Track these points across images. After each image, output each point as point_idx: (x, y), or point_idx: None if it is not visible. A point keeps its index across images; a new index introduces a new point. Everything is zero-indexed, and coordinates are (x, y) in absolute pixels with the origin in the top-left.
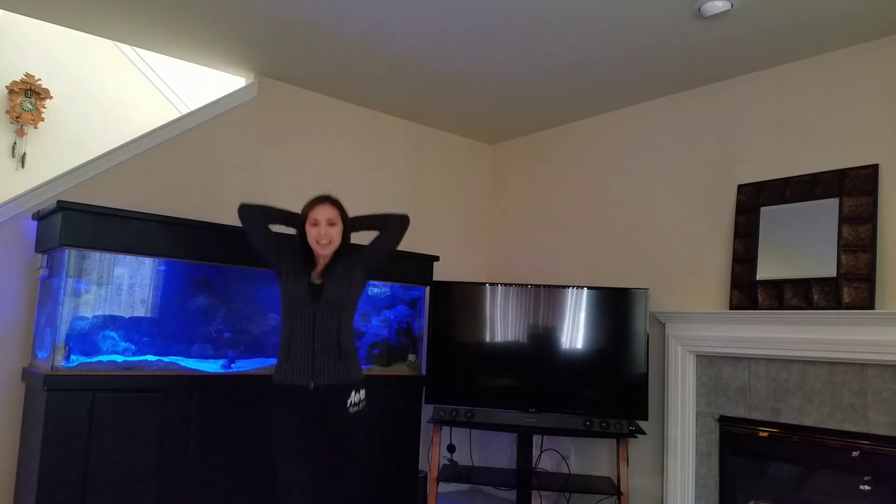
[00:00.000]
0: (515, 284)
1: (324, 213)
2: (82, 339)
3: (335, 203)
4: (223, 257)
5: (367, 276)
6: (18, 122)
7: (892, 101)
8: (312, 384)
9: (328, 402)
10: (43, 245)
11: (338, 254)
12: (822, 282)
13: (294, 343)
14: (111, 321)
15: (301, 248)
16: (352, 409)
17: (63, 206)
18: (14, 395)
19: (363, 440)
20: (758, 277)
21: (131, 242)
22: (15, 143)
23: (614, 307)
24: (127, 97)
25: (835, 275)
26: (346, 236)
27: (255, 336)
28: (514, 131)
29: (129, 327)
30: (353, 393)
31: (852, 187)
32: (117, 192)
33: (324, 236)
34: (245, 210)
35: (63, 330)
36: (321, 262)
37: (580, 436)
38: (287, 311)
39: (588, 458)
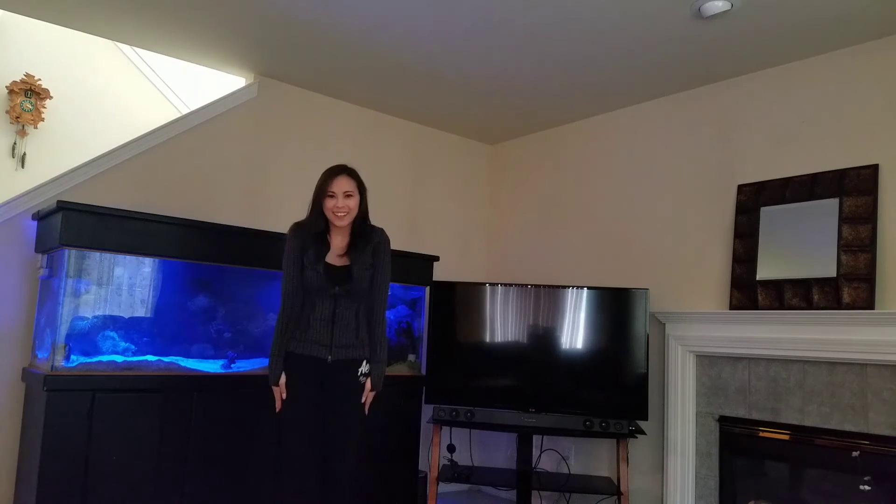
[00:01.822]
0: (515, 284)
1: (340, 185)
2: (82, 339)
3: (352, 174)
4: (223, 257)
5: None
6: (18, 122)
7: (892, 101)
8: (330, 357)
9: (340, 369)
10: (43, 245)
11: (356, 232)
12: (822, 282)
13: (314, 318)
14: (111, 321)
15: (314, 231)
16: (361, 379)
17: (63, 206)
18: (14, 395)
19: (363, 409)
20: (758, 277)
21: (131, 242)
22: (15, 143)
23: (614, 307)
24: (127, 97)
25: (835, 275)
26: (363, 208)
27: (255, 336)
28: (514, 131)
29: (129, 327)
30: (364, 363)
31: (852, 187)
32: (117, 192)
33: (341, 208)
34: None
35: (63, 330)
36: (336, 241)
37: (580, 436)
38: (308, 291)
39: (588, 458)
